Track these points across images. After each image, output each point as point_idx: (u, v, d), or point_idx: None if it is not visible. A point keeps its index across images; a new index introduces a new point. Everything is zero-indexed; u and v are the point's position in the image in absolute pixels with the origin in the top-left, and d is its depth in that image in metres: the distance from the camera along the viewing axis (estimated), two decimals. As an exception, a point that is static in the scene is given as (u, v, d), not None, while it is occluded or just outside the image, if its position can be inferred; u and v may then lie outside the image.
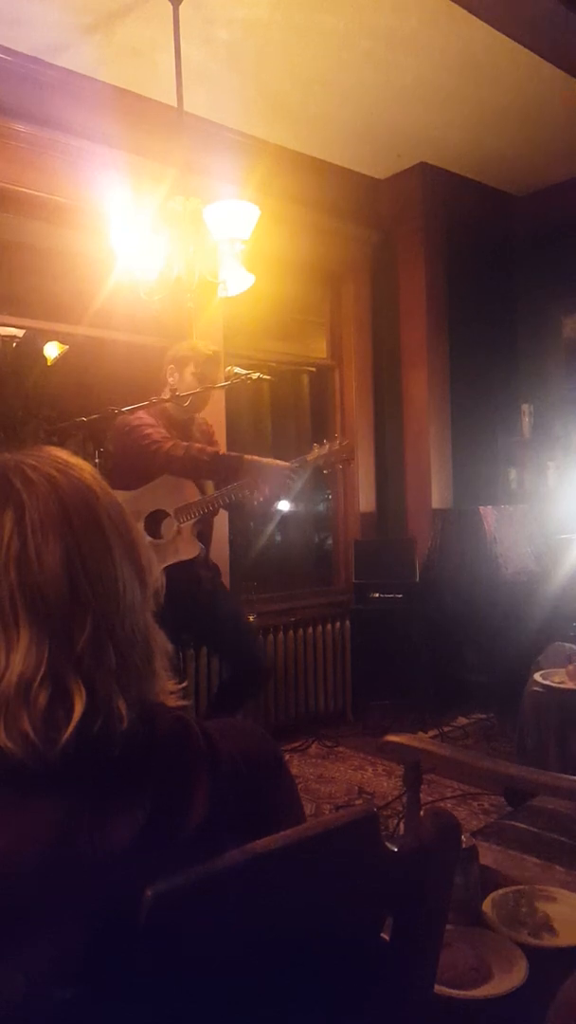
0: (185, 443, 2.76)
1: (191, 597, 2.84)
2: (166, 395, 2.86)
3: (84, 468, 0.77)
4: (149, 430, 2.79)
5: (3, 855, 0.63)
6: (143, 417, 2.82)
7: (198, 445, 2.77)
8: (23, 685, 0.67)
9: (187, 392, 2.85)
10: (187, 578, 2.83)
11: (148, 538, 2.79)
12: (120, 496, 2.58)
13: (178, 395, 2.82)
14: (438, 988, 1.05)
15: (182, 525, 2.85)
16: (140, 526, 2.76)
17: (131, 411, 2.76)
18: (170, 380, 2.92)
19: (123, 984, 0.62)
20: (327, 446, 2.95)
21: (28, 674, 0.67)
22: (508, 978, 1.16)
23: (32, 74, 3.18)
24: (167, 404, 2.89)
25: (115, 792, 0.69)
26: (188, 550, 2.86)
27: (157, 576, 0.80)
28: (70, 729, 0.67)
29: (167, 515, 2.84)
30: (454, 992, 1.12)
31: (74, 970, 0.62)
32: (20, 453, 0.76)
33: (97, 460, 2.78)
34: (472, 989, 1.14)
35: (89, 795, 0.68)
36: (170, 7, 2.76)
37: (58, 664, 0.68)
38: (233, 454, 2.80)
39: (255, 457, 2.78)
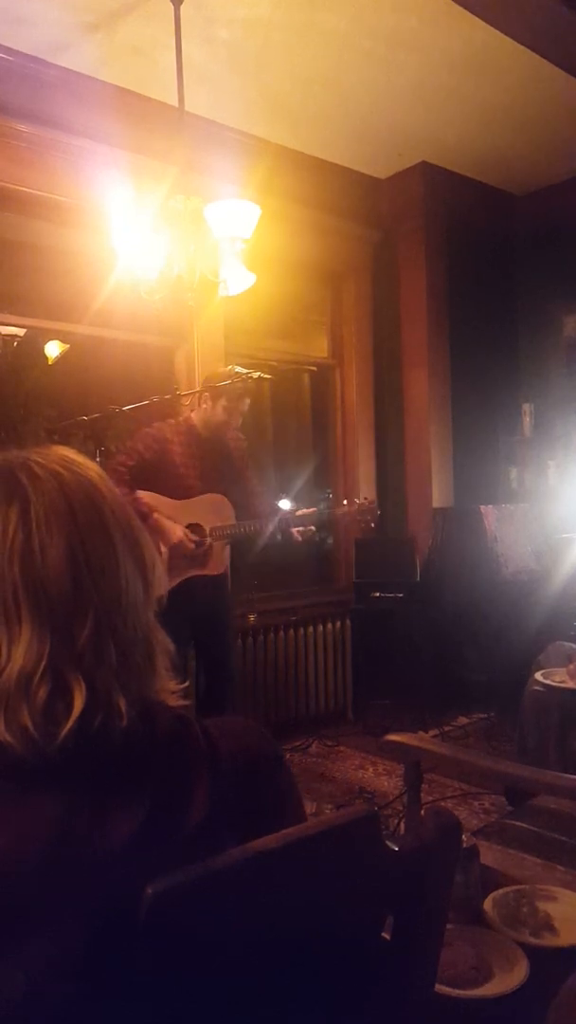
0: (125, 488, 2.83)
1: (193, 592, 2.90)
2: (196, 416, 3.02)
3: (90, 466, 0.77)
4: (123, 454, 2.92)
5: (3, 852, 0.64)
6: (145, 437, 2.94)
7: (123, 491, 2.83)
8: (24, 679, 0.67)
9: (214, 420, 2.99)
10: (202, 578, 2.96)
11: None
12: (165, 503, 2.66)
13: (179, 393, 2.86)
14: (439, 987, 1.05)
15: (215, 543, 2.96)
16: None
17: (158, 425, 2.98)
18: (203, 406, 3.03)
19: (123, 982, 0.63)
20: (356, 505, 3.19)
21: (29, 668, 0.67)
22: (509, 977, 1.16)
23: (33, 73, 3.18)
24: (195, 424, 3.03)
25: (115, 789, 0.69)
26: (215, 566, 3.00)
27: (161, 575, 0.80)
28: (69, 724, 0.67)
29: (201, 529, 2.96)
30: (455, 991, 1.12)
31: (74, 968, 0.62)
32: (29, 451, 0.77)
33: (98, 459, 2.80)
34: (473, 988, 1.14)
35: (89, 792, 0.68)
36: (171, 7, 2.76)
37: (59, 659, 0.69)
38: (144, 510, 2.80)
39: (160, 520, 2.84)
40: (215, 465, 3.07)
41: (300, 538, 3.08)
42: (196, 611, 2.93)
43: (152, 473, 2.93)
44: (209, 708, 3.03)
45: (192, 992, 0.66)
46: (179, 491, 2.96)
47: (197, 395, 3.06)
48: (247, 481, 3.20)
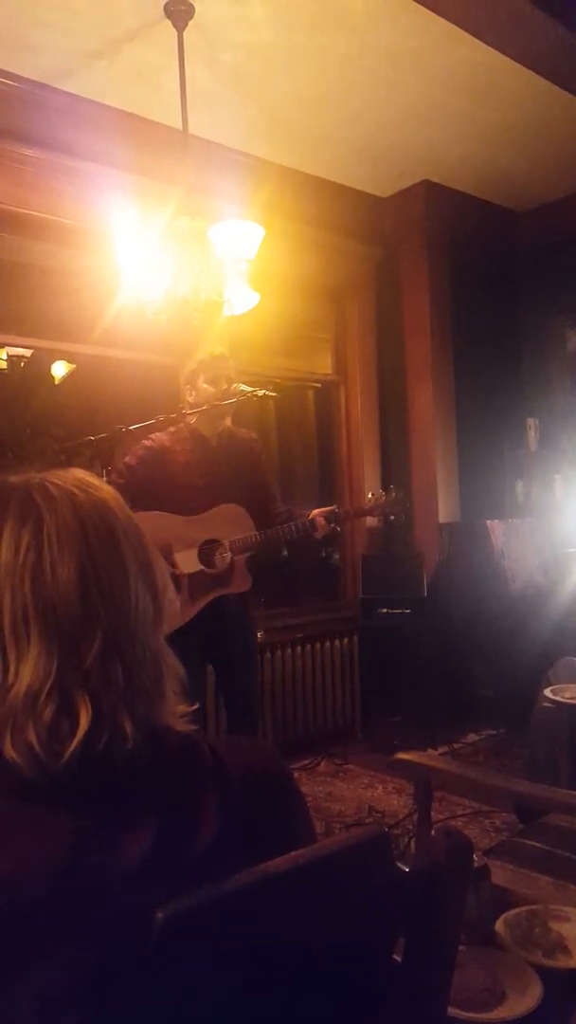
0: (118, 484, 2.67)
1: (218, 616, 2.74)
2: (196, 418, 2.80)
3: (105, 489, 0.79)
4: (115, 472, 2.76)
5: (14, 874, 0.63)
6: (139, 449, 2.75)
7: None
8: (31, 697, 0.68)
9: (207, 400, 2.77)
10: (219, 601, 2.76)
11: (201, 567, 2.72)
12: (178, 521, 2.43)
13: (185, 412, 2.82)
14: (451, 1010, 1.04)
15: (236, 558, 2.74)
16: (193, 553, 2.69)
17: (156, 435, 2.76)
18: (189, 400, 2.84)
19: (134, 1005, 0.62)
20: (383, 497, 2.90)
21: (36, 686, 0.68)
22: (522, 1000, 1.15)
23: (39, 99, 3.22)
24: (198, 427, 2.82)
25: (124, 811, 0.69)
26: (240, 583, 2.77)
27: (172, 598, 0.81)
28: (74, 744, 0.67)
29: (220, 545, 2.74)
30: (467, 1014, 1.10)
31: (85, 991, 0.62)
32: (47, 472, 0.78)
33: (104, 479, 2.77)
34: (486, 1011, 1.12)
35: (98, 813, 0.68)
36: (174, 32, 2.80)
37: (66, 678, 0.69)
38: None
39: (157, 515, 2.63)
40: (229, 470, 2.83)
41: (321, 534, 2.79)
42: (221, 633, 2.74)
43: (154, 489, 2.71)
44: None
45: (202, 1014, 0.65)
46: (187, 504, 2.73)
47: (187, 380, 2.87)
48: (267, 486, 2.96)
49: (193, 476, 2.76)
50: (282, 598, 4.39)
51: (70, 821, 0.67)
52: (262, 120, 3.59)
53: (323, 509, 2.81)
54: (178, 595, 2.66)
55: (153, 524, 2.66)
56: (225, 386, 2.78)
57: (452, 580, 4.23)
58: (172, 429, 2.80)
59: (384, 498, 2.91)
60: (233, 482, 2.81)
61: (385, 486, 4.44)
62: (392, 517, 2.99)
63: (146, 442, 2.76)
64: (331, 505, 2.99)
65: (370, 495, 3.00)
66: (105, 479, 2.74)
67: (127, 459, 2.75)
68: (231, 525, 2.75)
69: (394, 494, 2.93)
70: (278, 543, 2.84)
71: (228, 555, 2.73)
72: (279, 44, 3.04)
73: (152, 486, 2.71)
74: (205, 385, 2.79)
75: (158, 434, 2.78)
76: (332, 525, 2.79)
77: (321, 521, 2.76)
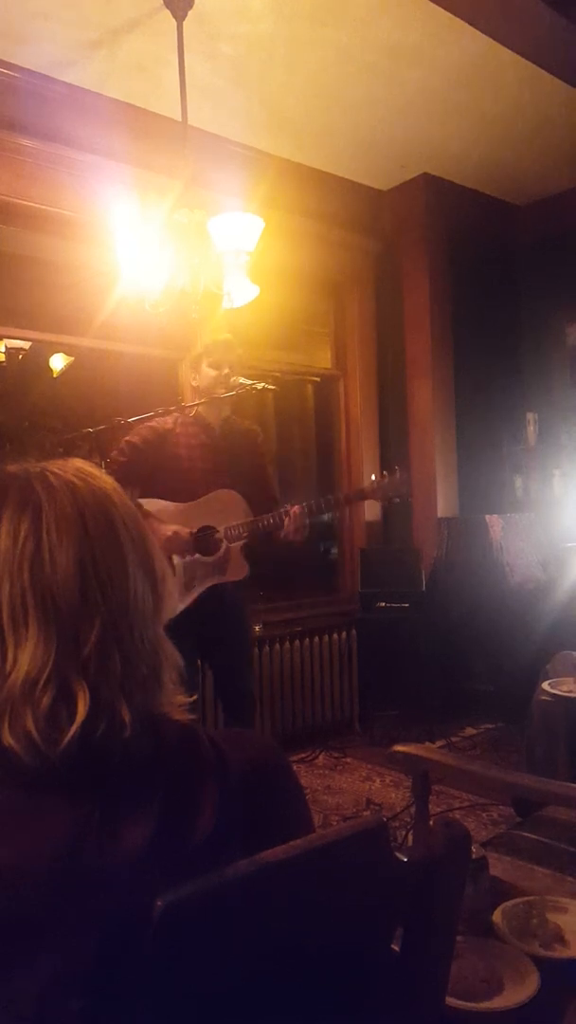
0: (119, 462, 2.71)
1: (216, 606, 2.74)
2: (203, 406, 2.82)
3: (105, 479, 0.79)
4: (117, 451, 2.77)
5: (14, 864, 0.64)
6: (142, 429, 2.76)
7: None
8: (28, 684, 0.68)
9: (209, 384, 2.80)
10: (217, 588, 2.76)
11: (198, 556, 2.72)
12: (169, 508, 2.41)
13: (183, 406, 2.83)
14: (449, 1000, 1.04)
15: (232, 545, 2.74)
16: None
17: (145, 419, 2.76)
18: (192, 383, 2.88)
19: (134, 994, 0.62)
20: (386, 478, 2.86)
21: (34, 673, 0.68)
22: (520, 990, 1.15)
23: (38, 90, 3.21)
24: (200, 409, 2.82)
25: (123, 800, 0.69)
26: (236, 571, 2.76)
27: (171, 589, 0.81)
28: (72, 731, 0.67)
29: (216, 532, 2.74)
30: (465, 1004, 1.11)
31: (86, 980, 0.62)
32: (47, 462, 0.78)
33: (104, 470, 2.76)
34: (484, 1001, 1.13)
35: (97, 803, 0.68)
36: (174, 23, 2.79)
37: (64, 665, 0.69)
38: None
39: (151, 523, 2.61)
40: (229, 457, 2.83)
41: (290, 529, 2.71)
42: (216, 624, 2.73)
43: (154, 470, 2.72)
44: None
45: (202, 1003, 0.66)
46: (188, 487, 2.74)
47: (191, 364, 2.89)
48: (267, 477, 2.97)
49: (196, 460, 2.78)
50: (280, 592, 4.39)
51: (69, 810, 0.67)
52: (262, 112, 3.58)
53: (299, 505, 2.72)
54: (175, 583, 2.67)
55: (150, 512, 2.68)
56: (227, 371, 2.79)
57: (451, 574, 4.23)
58: (177, 414, 2.82)
59: (387, 479, 2.87)
60: (232, 469, 2.82)
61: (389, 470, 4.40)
62: (396, 499, 2.95)
63: (151, 423, 2.77)
64: (328, 496, 2.96)
65: (372, 477, 2.98)
66: (105, 470, 2.75)
67: (130, 438, 2.76)
68: (225, 511, 2.76)
69: (397, 474, 2.88)
70: (268, 531, 2.76)
71: (224, 543, 2.73)
72: (279, 36, 3.02)
73: (152, 467, 2.73)
74: (207, 368, 2.81)
75: (162, 418, 2.79)
76: (304, 521, 2.71)
77: (294, 512, 2.67)
